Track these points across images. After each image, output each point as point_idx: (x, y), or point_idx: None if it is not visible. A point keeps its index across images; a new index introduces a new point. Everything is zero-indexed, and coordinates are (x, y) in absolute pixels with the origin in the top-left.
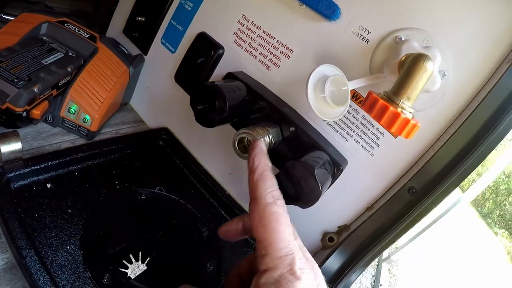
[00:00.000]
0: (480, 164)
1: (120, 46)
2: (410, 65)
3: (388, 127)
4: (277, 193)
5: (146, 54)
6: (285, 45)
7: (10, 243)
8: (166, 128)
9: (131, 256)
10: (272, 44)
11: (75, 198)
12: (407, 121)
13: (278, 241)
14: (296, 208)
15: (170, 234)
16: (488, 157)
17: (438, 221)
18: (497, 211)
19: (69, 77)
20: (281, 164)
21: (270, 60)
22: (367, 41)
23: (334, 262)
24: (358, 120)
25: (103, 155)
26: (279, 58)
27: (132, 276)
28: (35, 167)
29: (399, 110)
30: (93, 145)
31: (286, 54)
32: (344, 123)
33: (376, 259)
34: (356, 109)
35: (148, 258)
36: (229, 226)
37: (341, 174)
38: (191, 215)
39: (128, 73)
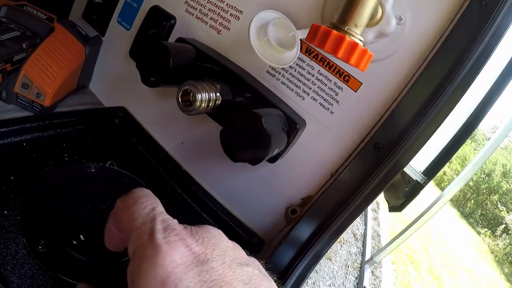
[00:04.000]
0: (459, 163)
1: (77, 27)
2: None
3: (333, 52)
4: None
5: (103, 35)
6: (234, 7)
7: None
8: (123, 107)
9: (70, 226)
10: (222, 7)
11: (19, 166)
12: (355, 45)
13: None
14: (254, 184)
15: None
16: (467, 155)
17: (419, 220)
18: (479, 211)
19: (24, 54)
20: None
21: (221, 23)
22: None
23: (298, 234)
24: (313, 76)
25: (54, 128)
26: (229, 21)
27: (68, 245)
28: None
29: (346, 35)
30: (44, 117)
31: (236, 16)
32: (299, 80)
33: (358, 261)
34: (311, 65)
35: (89, 230)
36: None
37: (301, 138)
38: None
39: (84, 52)
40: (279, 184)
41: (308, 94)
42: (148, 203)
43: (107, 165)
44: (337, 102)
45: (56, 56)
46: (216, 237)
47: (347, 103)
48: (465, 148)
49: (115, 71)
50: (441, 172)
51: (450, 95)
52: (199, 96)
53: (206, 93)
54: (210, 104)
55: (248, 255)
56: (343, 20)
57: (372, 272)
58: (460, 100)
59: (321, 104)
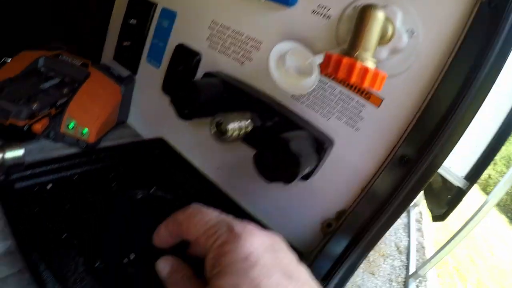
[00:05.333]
0: (504, 164)
1: (111, 69)
2: (359, 17)
3: (347, 79)
4: None
5: (135, 74)
6: (254, 39)
7: (12, 231)
8: (161, 138)
9: (122, 245)
10: (242, 40)
11: (73, 197)
12: (366, 70)
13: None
14: (291, 201)
15: None
16: None
17: (464, 229)
18: None
19: (66, 98)
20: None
21: (243, 55)
22: (329, 17)
23: (333, 248)
24: (336, 96)
25: (100, 161)
26: (250, 52)
27: (124, 261)
28: (36, 170)
29: (357, 60)
30: (91, 153)
31: (256, 47)
32: (323, 102)
33: (403, 275)
34: (333, 86)
35: (139, 248)
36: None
37: (330, 156)
38: None
39: (119, 91)
40: (314, 200)
41: (333, 114)
42: (212, 210)
43: (151, 191)
44: (361, 119)
45: (95, 98)
46: (279, 240)
47: (371, 119)
48: (510, 147)
49: (150, 106)
50: (485, 175)
51: (471, 100)
52: (230, 126)
53: (237, 123)
54: (242, 131)
55: None
56: (353, 46)
57: (417, 286)
58: (486, 101)
59: (346, 123)
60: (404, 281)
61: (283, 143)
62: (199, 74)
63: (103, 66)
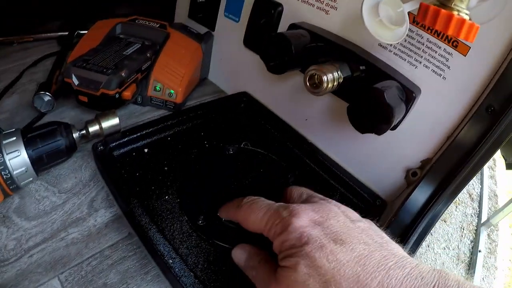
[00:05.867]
0: None
1: (188, 28)
2: None
3: (444, 30)
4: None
5: (213, 30)
6: None
7: (117, 197)
8: (245, 92)
9: (220, 201)
10: None
11: (169, 158)
12: (462, 21)
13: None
14: (376, 150)
15: (258, 181)
16: None
17: None
18: None
19: (150, 62)
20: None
21: (327, 4)
22: None
23: (418, 196)
24: (423, 44)
25: (190, 121)
26: (335, 1)
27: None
28: (132, 136)
29: (453, 12)
30: (180, 113)
31: None
32: (410, 50)
33: (474, 223)
34: (420, 34)
35: None
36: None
37: (416, 103)
38: (277, 165)
39: (200, 49)
40: (399, 149)
41: (420, 62)
42: (261, 204)
43: (242, 146)
44: (448, 67)
45: (178, 58)
46: (328, 207)
47: (458, 68)
48: None
49: (231, 61)
50: None
51: None
52: (325, 78)
53: (331, 74)
54: (335, 83)
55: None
56: None
57: (488, 235)
58: None
59: (433, 71)
60: (476, 229)
61: (378, 94)
62: (281, 26)
63: (180, 25)
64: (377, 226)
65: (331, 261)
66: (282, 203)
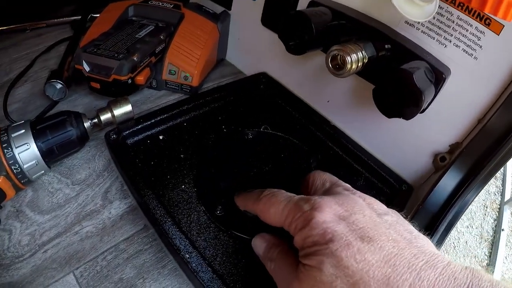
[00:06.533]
0: None
1: (204, 7)
2: None
3: (481, 7)
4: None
5: (230, 9)
6: None
7: (132, 189)
8: (264, 72)
9: (239, 189)
10: None
11: (186, 144)
12: None
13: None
14: (402, 133)
15: (278, 167)
16: None
17: None
18: None
19: (164, 44)
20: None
21: None
22: None
23: (447, 182)
24: (453, 21)
25: (207, 105)
26: None
27: None
28: (146, 123)
29: None
30: (197, 97)
31: None
32: (439, 28)
33: (497, 202)
34: (450, 11)
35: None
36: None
37: (445, 85)
38: (298, 149)
39: (217, 29)
40: (427, 132)
41: (450, 41)
42: (281, 197)
43: (261, 129)
44: (480, 47)
45: (193, 39)
46: (353, 199)
47: (490, 47)
48: None
49: (249, 41)
50: None
51: None
52: (348, 59)
53: (354, 54)
54: (359, 64)
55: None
56: None
57: None
58: None
59: (464, 50)
60: (499, 208)
61: (406, 76)
62: (301, 3)
63: (195, 5)
64: (404, 217)
65: (359, 261)
66: (303, 196)
